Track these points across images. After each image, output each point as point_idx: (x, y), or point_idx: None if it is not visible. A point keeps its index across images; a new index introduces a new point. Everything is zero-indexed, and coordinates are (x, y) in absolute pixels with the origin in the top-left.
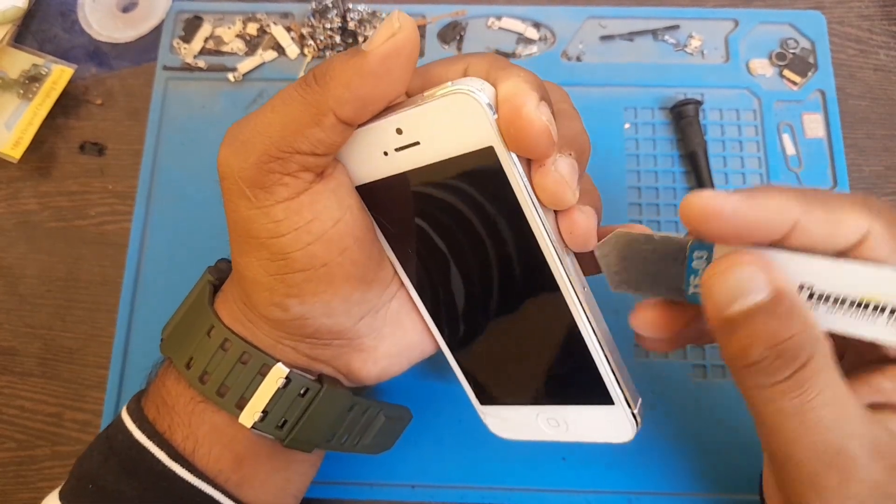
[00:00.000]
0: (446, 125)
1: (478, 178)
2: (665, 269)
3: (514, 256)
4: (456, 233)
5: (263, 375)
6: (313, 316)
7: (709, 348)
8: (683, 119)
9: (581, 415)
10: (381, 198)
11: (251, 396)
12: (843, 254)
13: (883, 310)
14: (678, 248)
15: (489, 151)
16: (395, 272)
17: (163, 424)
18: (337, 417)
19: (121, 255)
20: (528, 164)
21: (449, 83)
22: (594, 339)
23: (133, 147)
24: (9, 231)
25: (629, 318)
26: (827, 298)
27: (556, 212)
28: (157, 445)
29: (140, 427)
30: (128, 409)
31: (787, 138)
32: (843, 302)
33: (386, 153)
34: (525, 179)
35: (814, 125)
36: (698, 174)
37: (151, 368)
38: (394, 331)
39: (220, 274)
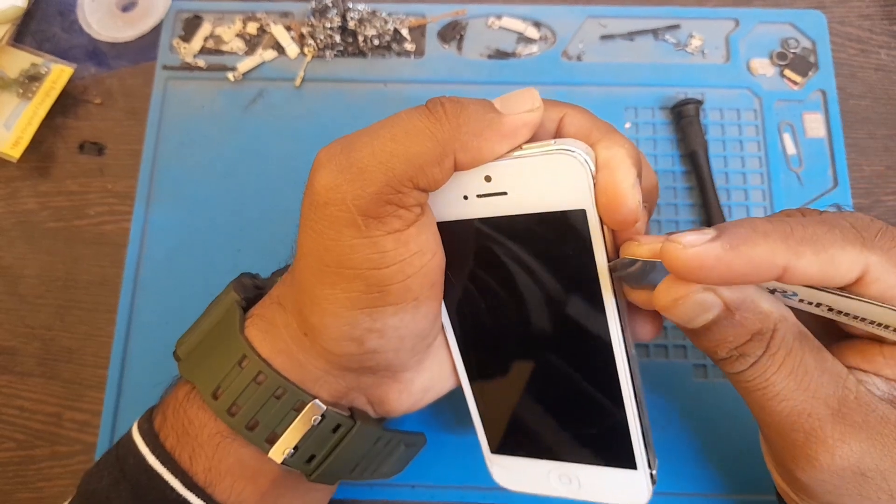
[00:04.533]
0: (541, 181)
1: (557, 234)
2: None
3: (574, 313)
4: (515, 282)
5: (297, 411)
6: (385, 350)
7: None
8: (684, 119)
9: (599, 476)
10: (445, 238)
11: (283, 432)
12: (843, 289)
13: None
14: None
15: (579, 213)
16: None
17: (183, 455)
18: (364, 451)
19: (120, 254)
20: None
21: (552, 141)
22: (633, 405)
23: (132, 147)
24: (8, 231)
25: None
26: (847, 314)
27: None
28: (172, 473)
29: (153, 451)
30: (140, 429)
31: (787, 138)
32: (863, 319)
33: (466, 197)
34: (606, 243)
35: (814, 125)
36: (699, 174)
37: (168, 387)
38: (431, 365)
39: (246, 292)
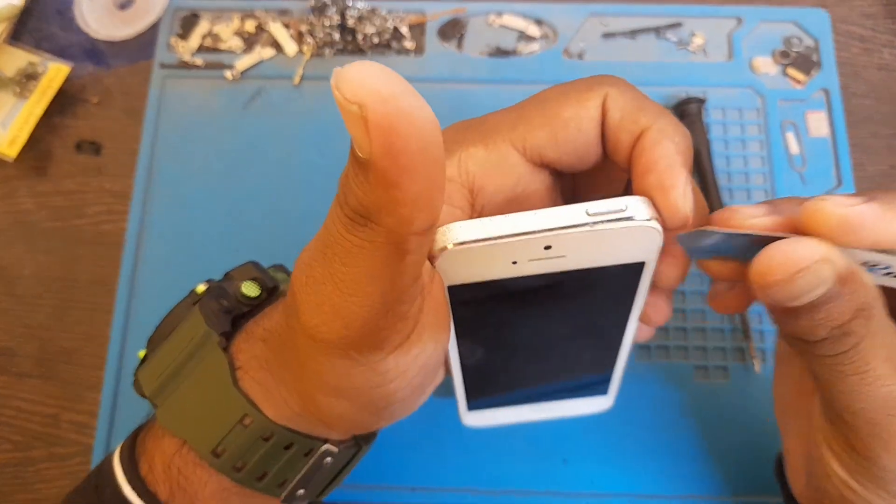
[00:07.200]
0: (607, 245)
1: (607, 278)
2: (745, 251)
3: (596, 322)
4: (543, 309)
5: (308, 456)
6: (384, 426)
7: (709, 349)
8: (686, 118)
9: (571, 403)
10: (473, 294)
11: (295, 478)
12: None
13: None
14: (761, 243)
15: (637, 265)
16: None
17: None
18: (360, 461)
19: (118, 254)
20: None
21: (622, 203)
22: (623, 359)
23: (130, 146)
24: (5, 231)
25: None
26: None
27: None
28: None
29: (138, 493)
30: (121, 459)
31: (790, 137)
32: None
33: (515, 262)
34: (650, 279)
35: (818, 124)
36: (701, 173)
37: (145, 422)
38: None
39: (221, 326)
